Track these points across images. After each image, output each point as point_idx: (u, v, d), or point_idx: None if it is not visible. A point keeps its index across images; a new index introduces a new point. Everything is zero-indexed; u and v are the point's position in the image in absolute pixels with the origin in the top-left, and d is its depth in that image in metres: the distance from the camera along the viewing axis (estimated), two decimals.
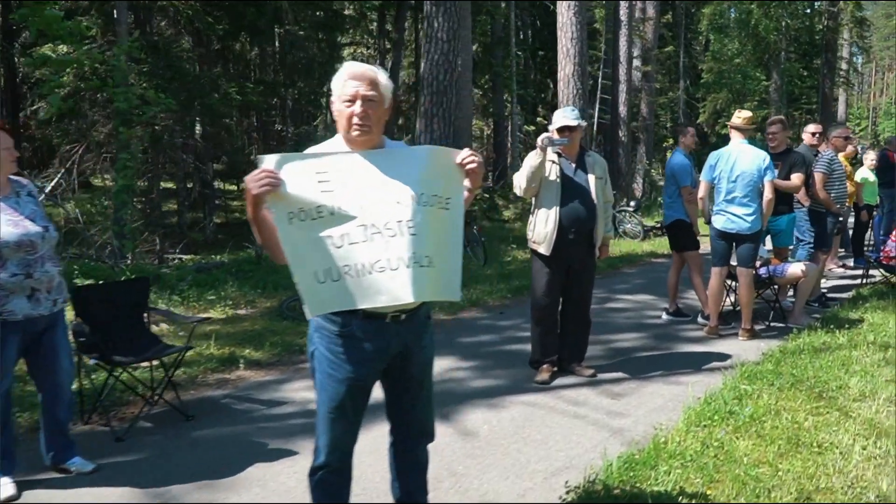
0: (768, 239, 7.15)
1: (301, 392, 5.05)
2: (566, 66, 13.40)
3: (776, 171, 6.57)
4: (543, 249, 5.20)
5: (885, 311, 7.27)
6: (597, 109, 21.61)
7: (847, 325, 6.64)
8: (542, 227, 5.18)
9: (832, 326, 6.57)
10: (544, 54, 25.29)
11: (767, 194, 6.24)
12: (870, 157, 10.71)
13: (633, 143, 20.93)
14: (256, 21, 14.02)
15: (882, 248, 8.60)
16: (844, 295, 8.53)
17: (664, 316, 7.33)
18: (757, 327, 6.76)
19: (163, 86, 11.70)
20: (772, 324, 7.02)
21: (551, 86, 28.03)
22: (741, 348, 6.21)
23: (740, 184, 6.29)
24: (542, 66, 25.46)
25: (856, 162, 11.30)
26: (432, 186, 2.50)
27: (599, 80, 21.00)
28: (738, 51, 29.25)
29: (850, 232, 10.97)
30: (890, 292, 8.33)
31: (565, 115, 5.19)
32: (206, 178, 14.92)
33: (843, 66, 38.16)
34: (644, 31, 21.49)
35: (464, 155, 2.55)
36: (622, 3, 17.39)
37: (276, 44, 15.55)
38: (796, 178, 7.02)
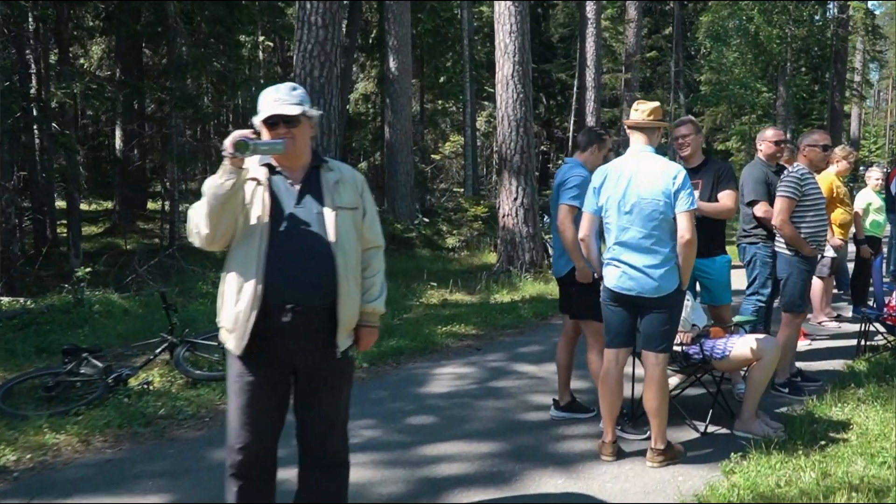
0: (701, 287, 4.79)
1: None
2: (504, 66, 11.14)
3: (695, 193, 4.29)
4: (233, 345, 2.83)
5: (886, 403, 4.83)
6: (571, 122, 19.26)
7: (825, 439, 4.22)
8: (232, 304, 2.82)
9: (799, 444, 4.15)
10: None
11: (684, 232, 3.84)
12: (874, 177, 8.27)
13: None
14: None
15: (886, 300, 6.16)
16: (833, 366, 6.10)
17: (552, 412, 4.92)
18: (683, 438, 4.37)
19: None
20: (709, 430, 4.60)
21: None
22: (645, 485, 3.81)
23: (638, 217, 3.92)
24: None
25: (854, 182, 8.81)
26: None
27: (575, 88, 18.67)
28: (737, 60, 26.80)
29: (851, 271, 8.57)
30: None
31: (277, 99, 2.84)
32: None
33: (856, 77, 35.64)
34: (624, 35, 19.22)
35: None
36: (589, 1, 15.10)
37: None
38: (726, 198, 4.83)
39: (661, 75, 28.53)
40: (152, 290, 9.17)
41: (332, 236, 2.82)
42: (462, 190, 19.13)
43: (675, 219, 3.84)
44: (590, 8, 15.11)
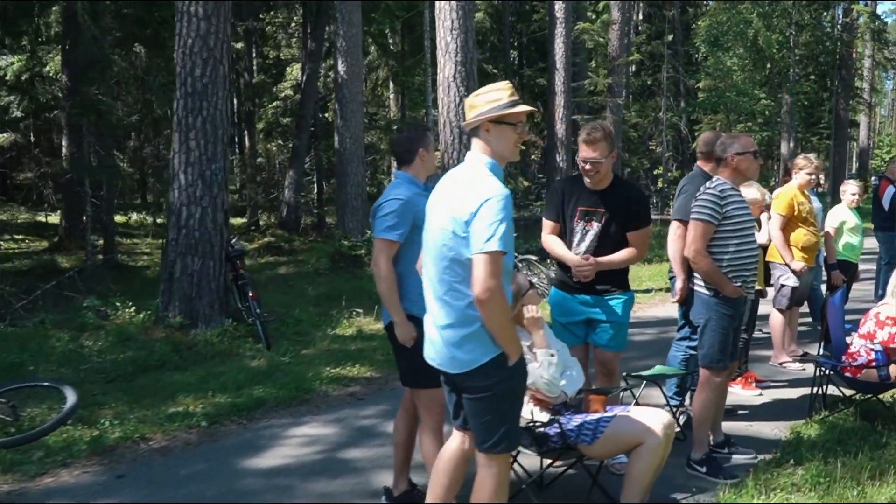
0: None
1: None
2: (445, 67, 10.03)
3: (594, 227, 3.24)
4: None
5: (825, 495, 3.65)
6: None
7: None
8: None
9: None
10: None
11: (475, 285, 2.61)
12: (850, 192, 7.04)
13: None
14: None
15: (845, 349, 4.95)
16: (779, 428, 4.89)
17: (382, 501, 3.76)
18: None
19: None
20: None
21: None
22: None
23: (430, 254, 2.79)
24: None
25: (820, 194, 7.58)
26: None
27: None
28: (735, 66, 25.54)
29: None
30: (858, 429, 4.70)
31: None
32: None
33: (865, 85, 34.19)
34: (608, 38, 18.07)
35: None
36: (558, 1, 13.96)
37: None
38: (640, 243, 3.76)
39: (661, 83, 27.32)
40: (32, 319, 8.14)
41: None
42: None
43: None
44: (559, 7, 13.96)
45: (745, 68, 26.21)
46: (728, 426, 4.96)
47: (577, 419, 3.38)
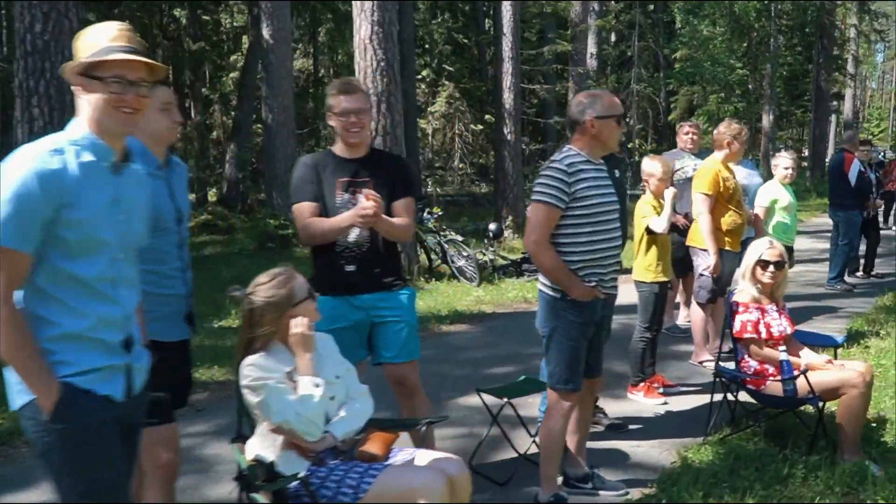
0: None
1: None
2: (361, 28, 9.09)
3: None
4: None
5: None
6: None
7: None
8: None
9: None
10: None
11: None
12: (783, 165, 6.17)
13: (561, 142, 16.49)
14: None
15: (740, 356, 4.10)
16: (672, 448, 4.07)
17: None
18: None
19: None
20: None
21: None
22: None
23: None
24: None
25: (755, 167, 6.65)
26: None
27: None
28: (711, 35, 24.52)
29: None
30: (761, 454, 3.87)
31: None
32: None
33: (851, 56, 33.16)
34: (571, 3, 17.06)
35: None
36: None
37: None
38: (404, 210, 3.14)
39: (632, 52, 26.30)
40: None
41: None
42: None
43: None
44: None
45: (723, 37, 25.21)
46: (610, 446, 4.17)
47: (342, 471, 2.53)
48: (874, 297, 8.03)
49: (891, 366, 5.42)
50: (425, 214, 9.93)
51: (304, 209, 3.24)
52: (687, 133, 6.49)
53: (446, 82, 23.65)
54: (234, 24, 21.34)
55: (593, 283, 3.16)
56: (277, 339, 2.69)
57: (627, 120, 25.65)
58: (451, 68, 24.34)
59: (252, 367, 2.61)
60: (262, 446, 2.64)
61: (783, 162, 6.09)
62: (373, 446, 2.63)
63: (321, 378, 2.64)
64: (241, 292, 2.74)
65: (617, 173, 4.29)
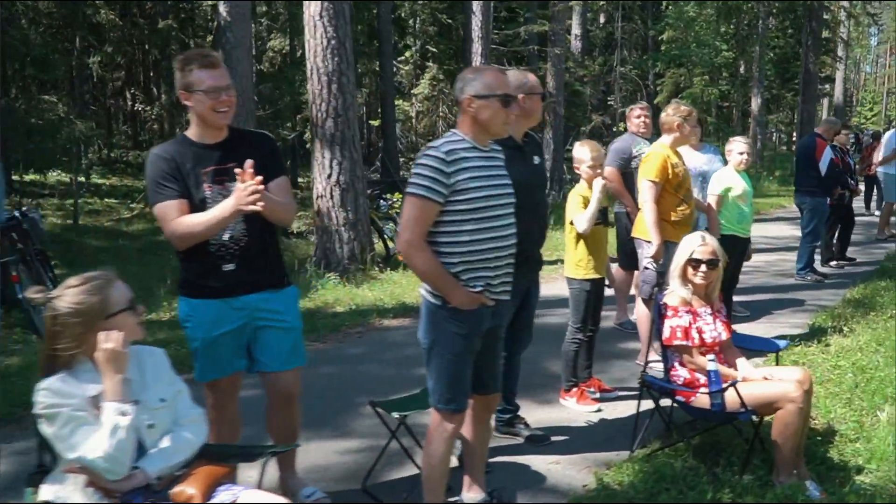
0: None
1: None
2: (311, 4, 8.61)
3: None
4: None
5: None
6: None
7: None
8: None
9: None
10: None
11: None
12: (738, 150, 5.73)
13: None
14: None
15: (669, 364, 3.72)
16: (585, 472, 3.68)
17: None
18: None
19: None
20: None
21: None
22: None
23: None
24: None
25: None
26: None
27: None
28: (697, 16, 24.00)
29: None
30: (687, 474, 3.48)
31: None
32: None
33: (840, 38, 32.65)
34: None
35: None
36: None
37: None
38: (282, 190, 2.73)
39: (616, 33, 25.76)
40: None
41: None
42: None
43: None
44: None
45: (710, 18, 24.69)
46: (525, 463, 3.78)
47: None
48: (845, 289, 7.65)
49: (849, 367, 5.04)
50: (381, 201, 9.50)
51: (168, 209, 2.80)
52: (638, 116, 6.06)
53: (430, 64, 23.09)
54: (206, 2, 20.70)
55: (478, 289, 2.74)
56: (86, 355, 2.29)
57: (612, 104, 25.24)
58: (434, 49, 23.76)
59: (46, 393, 2.20)
60: (62, 485, 2.24)
61: (737, 147, 5.65)
62: (192, 484, 2.23)
63: (136, 402, 2.24)
64: (44, 295, 2.32)
65: (537, 159, 3.88)
